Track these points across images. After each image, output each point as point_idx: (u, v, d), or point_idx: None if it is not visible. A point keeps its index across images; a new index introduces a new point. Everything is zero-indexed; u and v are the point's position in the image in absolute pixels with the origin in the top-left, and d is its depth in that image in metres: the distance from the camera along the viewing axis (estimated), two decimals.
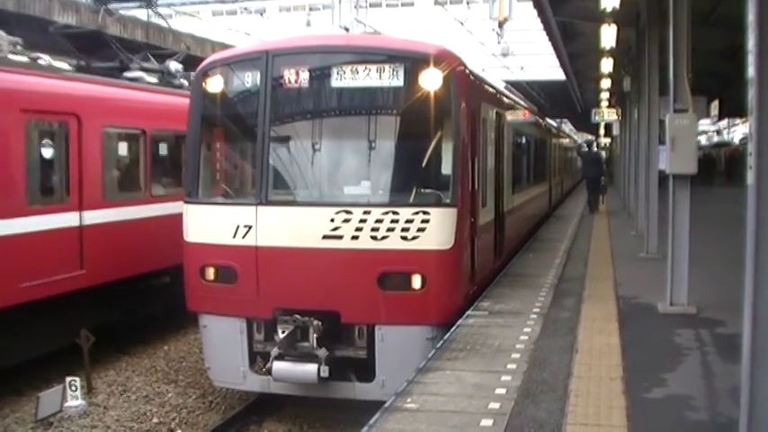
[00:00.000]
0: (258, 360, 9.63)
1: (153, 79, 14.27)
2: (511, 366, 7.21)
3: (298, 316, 8.82)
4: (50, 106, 10.80)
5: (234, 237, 9.16)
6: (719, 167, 51.37)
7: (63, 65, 12.18)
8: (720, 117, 49.26)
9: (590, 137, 74.79)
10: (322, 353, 8.78)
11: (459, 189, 9.16)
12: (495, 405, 6.12)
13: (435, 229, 8.84)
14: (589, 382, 6.68)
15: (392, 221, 8.81)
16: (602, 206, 27.60)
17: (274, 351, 8.88)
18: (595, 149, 40.29)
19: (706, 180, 40.28)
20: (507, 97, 15.20)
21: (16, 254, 9.88)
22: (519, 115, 16.77)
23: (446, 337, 8.48)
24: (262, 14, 40.41)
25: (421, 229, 8.79)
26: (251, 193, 9.51)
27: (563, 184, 35.08)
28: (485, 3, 25.65)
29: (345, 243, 8.86)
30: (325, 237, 8.90)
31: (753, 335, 4.15)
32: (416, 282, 8.85)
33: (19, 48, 11.43)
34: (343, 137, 9.83)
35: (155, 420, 9.80)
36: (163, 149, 13.84)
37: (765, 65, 4.10)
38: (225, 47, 18.26)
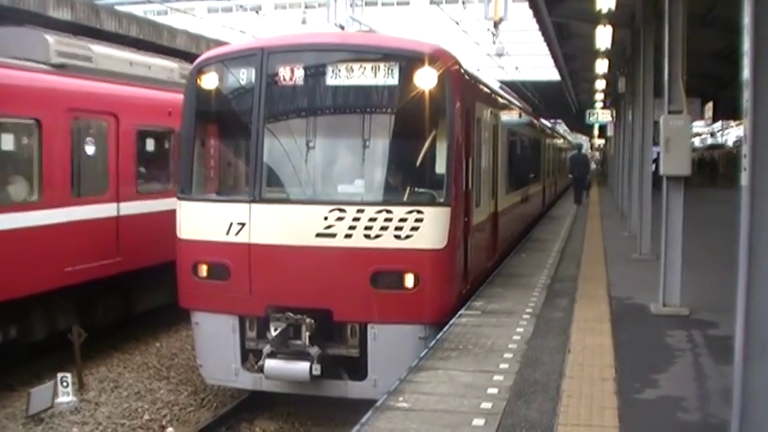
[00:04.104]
0: (250, 357, 9.61)
1: None
2: (503, 366, 7.20)
3: (290, 314, 8.81)
4: None
5: (227, 234, 9.15)
6: (715, 170, 51.55)
7: None
8: (714, 119, 49.44)
9: (583, 137, 75.06)
10: (314, 351, 8.78)
11: (453, 188, 9.15)
12: (487, 405, 6.11)
13: (429, 229, 8.83)
14: (581, 383, 6.69)
15: (386, 220, 8.81)
16: (587, 200, 31.40)
17: (266, 348, 8.88)
18: (584, 152, 41.16)
19: (699, 182, 40.45)
20: (502, 97, 15.21)
21: None
22: (513, 115, 16.78)
23: (439, 336, 8.47)
24: (257, 12, 40.29)
25: (414, 228, 8.79)
26: (245, 191, 9.50)
27: (557, 184, 35.12)
28: (480, 2, 25.62)
29: (339, 241, 8.86)
30: (318, 235, 8.89)
31: (745, 336, 4.16)
32: (409, 281, 8.85)
33: None
34: (338, 135, 9.83)
35: (146, 417, 9.78)
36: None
37: (761, 67, 4.11)
38: (220, 44, 18.21)
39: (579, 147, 39.07)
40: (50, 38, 11.71)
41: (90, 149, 11.78)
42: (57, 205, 10.82)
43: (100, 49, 12.66)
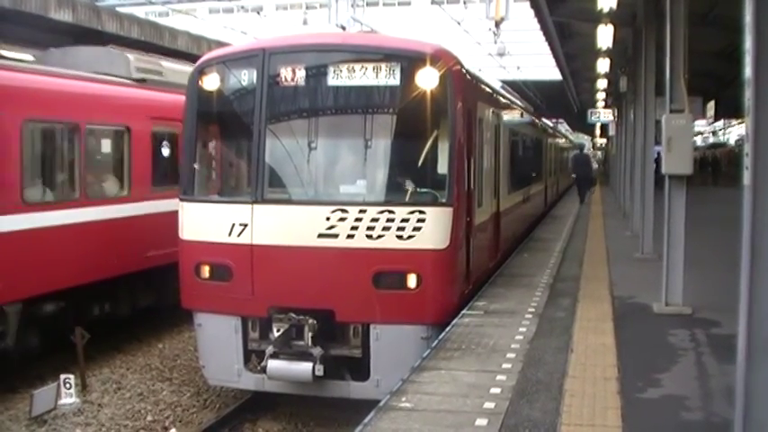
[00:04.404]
0: (253, 358, 9.61)
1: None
2: (506, 366, 7.20)
3: (293, 314, 8.81)
4: None
5: (229, 235, 9.15)
6: (718, 168, 51.42)
7: None
8: (716, 118, 49.39)
9: (585, 137, 75.07)
10: (317, 351, 8.78)
11: (455, 188, 9.15)
12: (490, 404, 6.11)
13: (431, 229, 8.83)
14: (584, 382, 6.69)
15: (388, 220, 8.81)
16: (591, 197, 32.57)
17: (269, 349, 8.88)
18: (586, 152, 41.59)
19: (701, 181, 40.45)
20: (504, 97, 15.20)
21: None
22: (515, 115, 16.77)
23: (441, 336, 8.47)
24: (258, 13, 40.34)
25: (416, 229, 8.79)
26: (247, 192, 9.50)
27: (559, 184, 35.11)
28: (481, 2, 25.64)
29: (341, 242, 8.86)
30: (320, 235, 8.89)
31: (748, 335, 4.15)
32: (412, 281, 8.85)
33: None
34: (340, 135, 9.83)
35: (149, 418, 9.78)
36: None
37: (762, 65, 4.10)
38: (221, 45, 18.23)
39: (581, 147, 39.28)
40: (131, 56, 13.54)
41: (165, 151, 13.54)
42: (141, 199, 12.72)
43: (168, 65, 14.40)
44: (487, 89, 12.81)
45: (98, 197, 11.86)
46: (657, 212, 12.37)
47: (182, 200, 9.69)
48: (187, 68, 14.91)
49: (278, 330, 8.82)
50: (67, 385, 9.84)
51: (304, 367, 8.73)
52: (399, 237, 8.80)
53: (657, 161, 13.16)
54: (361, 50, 9.56)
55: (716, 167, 50.60)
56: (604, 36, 18.63)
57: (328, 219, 8.88)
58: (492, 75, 23.12)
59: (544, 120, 30.49)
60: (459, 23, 28.41)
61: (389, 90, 9.22)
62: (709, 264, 12.08)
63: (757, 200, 4.13)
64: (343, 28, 19.32)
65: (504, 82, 22.13)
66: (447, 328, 8.76)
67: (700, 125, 62.31)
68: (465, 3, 45.28)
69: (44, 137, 11.22)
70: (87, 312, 11.73)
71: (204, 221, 9.46)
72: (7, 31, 14.27)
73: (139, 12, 37.05)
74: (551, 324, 8.97)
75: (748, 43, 4.12)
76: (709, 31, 18.87)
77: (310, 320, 8.77)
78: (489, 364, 7.28)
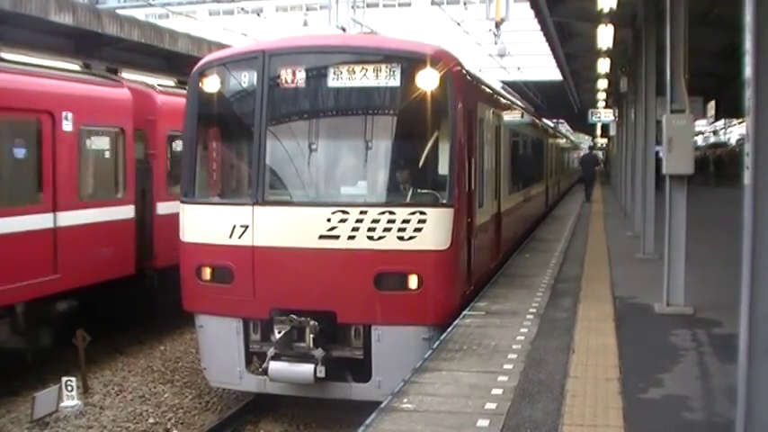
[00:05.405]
0: (254, 360, 9.62)
1: None
2: (507, 367, 7.20)
3: (294, 316, 8.81)
4: None
5: (230, 237, 9.15)
6: (720, 168, 51.38)
7: None
8: (717, 118, 49.35)
9: (585, 137, 75.10)
10: (318, 353, 8.78)
11: (456, 189, 9.15)
12: (491, 405, 6.11)
13: (432, 230, 8.83)
14: (585, 383, 6.68)
15: (389, 221, 8.80)
16: (595, 196, 34.23)
17: (271, 351, 8.87)
18: (592, 152, 41.88)
19: (702, 181, 40.44)
20: (504, 98, 15.20)
21: None
22: (516, 116, 16.78)
23: (443, 337, 8.47)
24: (258, 14, 40.35)
25: (417, 230, 8.78)
26: (247, 193, 9.51)
27: (560, 184, 35.11)
28: (482, 3, 25.64)
29: (342, 243, 8.86)
30: (321, 237, 8.89)
31: (749, 335, 4.15)
32: (413, 282, 8.85)
33: None
34: (340, 137, 9.83)
35: (151, 420, 9.78)
36: None
37: (762, 65, 4.10)
38: (221, 47, 18.21)
39: (591, 147, 40.09)
40: None
41: None
42: None
43: None
44: (488, 90, 12.81)
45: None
46: (658, 212, 12.38)
47: (182, 202, 9.69)
48: None
49: (279, 332, 8.83)
50: (69, 388, 9.84)
51: (305, 369, 8.73)
52: (400, 238, 8.79)
53: (658, 161, 13.15)
54: (362, 52, 9.56)
55: (719, 167, 50.51)
56: (604, 36, 18.62)
57: (329, 220, 8.88)
58: (492, 75, 23.14)
59: (545, 120, 30.48)
60: (459, 24, 28.43)
61: (390, 91, 9.22)
62: (710, 264, 12.08)
63: (758, 199, 4.13)
64: (344, 29, 19.34)
65: (504, 82, 22.15)
66: (448, 329, 8.75)
67: (700, 125, 62.27)
68: (465, 4, 45.33)
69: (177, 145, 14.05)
70: None
71: (205, 223, 9.46)
72: (7, 33, 14.25)
73: (139, 14, 37.06)
74: (553, 325, 8.96)
75: (748, 43, 4.13)
76: (710, 31, 18.87)
77: (312, 322, 8.77)
78: (491, 365, 7.28)
